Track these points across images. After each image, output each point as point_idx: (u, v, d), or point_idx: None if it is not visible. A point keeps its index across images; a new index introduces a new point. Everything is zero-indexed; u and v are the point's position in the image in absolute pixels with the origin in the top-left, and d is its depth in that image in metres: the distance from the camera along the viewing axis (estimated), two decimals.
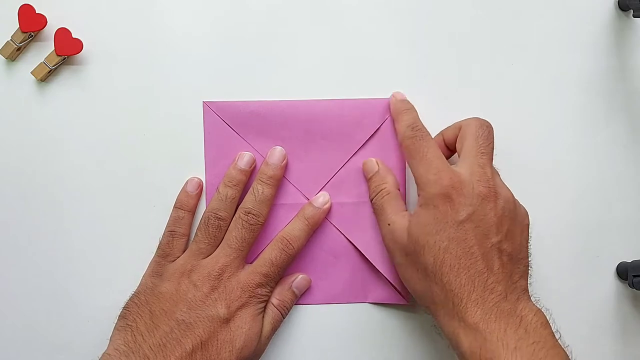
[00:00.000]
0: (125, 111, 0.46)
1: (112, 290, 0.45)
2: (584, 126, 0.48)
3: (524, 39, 0.47)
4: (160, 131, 0.46)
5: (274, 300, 0.44)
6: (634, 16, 0.46)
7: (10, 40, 0.45)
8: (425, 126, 0.44)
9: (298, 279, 0.45)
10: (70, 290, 0.46)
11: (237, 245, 0.43)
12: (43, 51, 0.46)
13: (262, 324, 0.43)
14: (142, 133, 0.46)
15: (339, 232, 0.46)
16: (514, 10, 0.47)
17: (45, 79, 0.46)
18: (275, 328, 0.44)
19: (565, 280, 0.46)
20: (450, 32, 0.47)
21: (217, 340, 0.40)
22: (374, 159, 0.45)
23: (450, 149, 0.45)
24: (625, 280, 0.47)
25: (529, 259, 0.41)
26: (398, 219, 0.42)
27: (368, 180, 0.45)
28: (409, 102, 0.45)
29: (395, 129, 0.45)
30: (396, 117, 0.45)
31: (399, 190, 0.44)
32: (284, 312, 0.44)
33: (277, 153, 0.45)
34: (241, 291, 0.42)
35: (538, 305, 0.38)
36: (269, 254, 0.43)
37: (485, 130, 0.42)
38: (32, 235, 0.46)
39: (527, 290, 0.39)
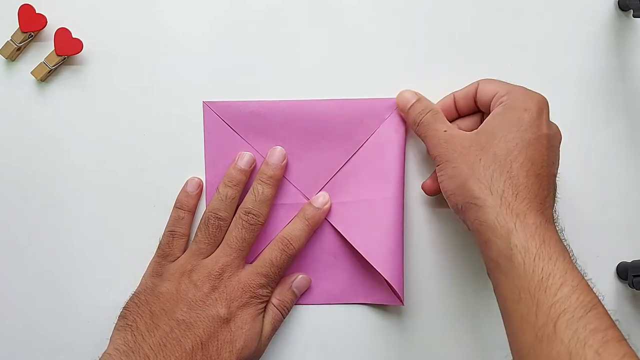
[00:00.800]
0: (125, 111, 0.46)
1: (112, 290, 0.45)
2: (584, 126, 0.48)
3: (524, 39, 0.47)
4: (160, 131, 0.46)
5: (274, 300, 0.44)
6: (634, 16, 0.46)
7: (10, 40, 0.45)
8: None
9: (298, 279, 0.45)
10: (70, 290, 0.46)
11: (237, 245, 0.43)
12: (43, 51, 0.46)
13: (263, 324, 0.43)
14: (142, 133, 0.46)
15: (339, 233, 0.46)
16: (514, 10, 0.47)
17: (45, 79, 0.46)
18: (275, 328, 0.44)
19: None
20: (450, 32, 0.47)
21: (218, 341, 0.40)
22: (408, 90, 0.45)
23: (459, 114, 0.45)
24: (625, 280, 0.47)
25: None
26: (454, 128, 0.42)
27: (408, 110, 0.44)
28: (415, 92, 0.45)
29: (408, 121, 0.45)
30: (403, 108, 0.45)
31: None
32: (284, 312, 0.44)
33: (277, 153, 0.45)
34: (242, 291, 0.42)
35: None
36: (269, 254, 0.43)
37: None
38: (32, 235, 0.46)
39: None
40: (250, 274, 0.43)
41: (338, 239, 0.46)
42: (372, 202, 0.46)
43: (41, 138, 0.46)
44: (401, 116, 0.46)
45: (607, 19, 0.48)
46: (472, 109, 0.44)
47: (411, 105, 0.44)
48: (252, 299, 0.42)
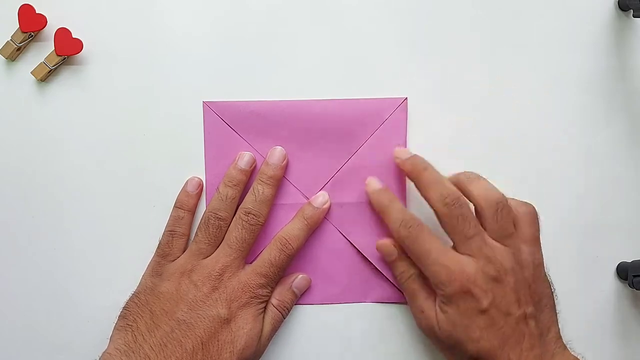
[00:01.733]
0: (125, 111, 0.46)
1: (112, 290, 0.45)
2: (584, 126, 0.48)
3: (524, 39, 0.47)
4: (160, 131, 0.46)
5: (274, 300, 0.44)
6: (634, 16, 0.46)
7: (10, 40, 0.45)
8: (423, 127, 0.44)
9: (298, 279, 0.45)
10: (70, 290, 0.46)
11: (237, 245, 0.43)
12: (43, 51, 0.46)
13: (263, 324, 0.43)
14: (142, 133, 0.46)
15: (339, 232, 0.46)
16: (514, 10, 0.47)
17: (45, 79, 0.46)
18: (275, 328, 0.44)
19: (565, 280, 0.46)
20: (450, 32, 0.47)
21: (218, 341, 0.40)
22: (386, 241, 0.44)
23: None
24: (625, 280, 0.47)
25: (551, 289, 0.42)
26: (429, 308, 0.42)
27: (389, 264, 0.45)
28: (387, 191, 0.44)
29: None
30: (382, 211, 0.44)
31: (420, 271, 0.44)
32: (284, 313, 0.44)
33: (277, 153, 0.45)
34: (242, 292, 0.42)
35: (569, 347, 0.40)
36: (268, 254, 0.43)
37: (463, 209, 0.41)
38: (32, 235, 0.46)
39: (560, 335, 0.41)
40: (250, 274, 0.43)
41: (338, 239, 0.46)
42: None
43: (41, 138, 0.46)
44: (402, 116, 0.46)
45: (607, 19, 0.48)
46: None
47: (391, 262, 0.44)
48: (252, 299, 0.42)
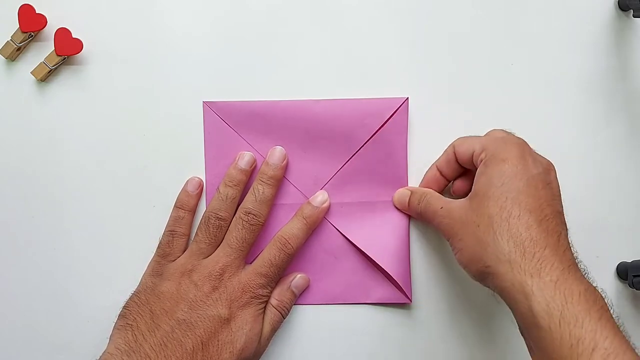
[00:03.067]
0: (125, 111, 0.46)
1: (112, 290, 0.45)
2: (584, 126, 0.48)
3: (524, 39, 0.47)
4: (160, 131, 0.46)
5: (273, 300, 0.44)
6: (634, 16, 0.46)
7: (10, 40, 0.45)
8: (424, 127, 0.45)
9: (297, 279, 0.45)
10: (70, 290, 0.46)
11: (237, 245, 0.43)
12: (43, 51, 0.46)
13: (262, 324, 0.43)
14: (142, 133, 0.46)
15: (339, 232, 0.46)
16: (513, 11, 0.47)
17: (45, 79, 0.46)
18: (275, 329, 0.44)
19: None
20: (450, 32, 0.47)
21: (218, 341, 0.40)
22: (400, 189, 0.45)
23: (445, 177, 0.45)
24: (625, 280, 0.47)
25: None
26: (449, 202, 0.41)
27: (408, 205, 0.45)
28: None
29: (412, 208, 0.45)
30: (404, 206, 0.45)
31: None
32: (284, 313, 0.44)
33: (277, 153, 0.45)
34: (242, 292, 0.42)
35: None
36: (268, 254, 0.43)
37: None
38: (32, 235, 0.46)
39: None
40: (250, 274, 0.43)
41: (339, 239, 0.46)
42: (374, 204, 0.46)
43: (41, 138, 0.46)
44: (403, 116, 0.46)
45: (607, 19, 0.48)
46: (459, 171, 0.44)
47: (408, 201, 0.45)
48: (252, 299, 0.42)
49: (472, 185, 0.40)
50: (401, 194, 0.45)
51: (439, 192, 0.44)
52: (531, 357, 0.35)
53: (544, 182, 0.38)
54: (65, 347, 0.46)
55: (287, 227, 0.44)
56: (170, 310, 0.41)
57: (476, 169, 0.40)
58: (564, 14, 0.48)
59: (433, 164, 0.45)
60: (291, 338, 0.46)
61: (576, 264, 0.36)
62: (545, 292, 0.33)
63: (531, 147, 0.40)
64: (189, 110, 0.46)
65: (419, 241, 0.46)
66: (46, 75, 0.46)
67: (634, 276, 0.45)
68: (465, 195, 0.41)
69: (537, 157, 0.40)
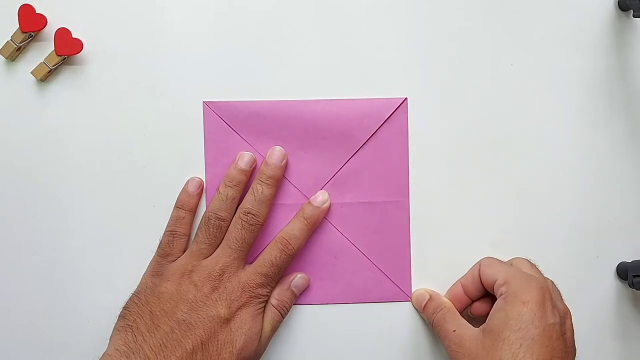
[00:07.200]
0: (125, 111, 0.46)
1: (112, 290, 0.45)
2: (584, 126, 0.48)
3: (524, 38, 0.47)
4: (160, 131, 0.46)
5: (273, 300, 0.44)
6: (634, 16, 0.46)
7: (10, 40, 0.45)
8: (423, 127, 0.44)
9: (296, 279, 0.45)
10: (70, 290, 0.46)
11: (237, 245, 0.43)
12: (43, 51, 0.46)
13: (262, 324, 0.43)
14: (142, 133, 0.46)
15: (339, 232, 0.46)
16: (514, 11, 0.47)
17: (45, 79, 0.46)
18: (275, 328, 0.44)
19: (565, 280, 0.46)
20: (450, 32, 0.47)
21: (218, 341, 0.40)
22: (421, 289, 0.45)
23: (472, 298, 0.45)
24: (625, 280, 0.47)
25: None
26: (463, 325, 0.42)
27: (423, 309, 0.45)
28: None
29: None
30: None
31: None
32: (284, 312, 0.44)
33: (276, 153, 0.45)
34: (241, 291, 0.42)
35: None
36: (269, 255, 0.43)
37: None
38: (32, 235, 0.46)
39: None
40: (250, 274, 0.43)
41: (339, 239, 0.46)
42: (374, 204, 0.46)
43: (41, 138, 0.46)
44: (403, 116, 0.46)
45: (607, 19, 0.48)
46: (483, 292, 0.44)
47: (425, 305, 0.45)
48: (251, 299, 0.42)
49: (490, 310, 0.41)
50: (420, 295, 0.45)
51: (459, 310, 0.44)
52: None
53: (559, 332, 0.38)
54: (65, 347, 0.46)
55: (287, 227, 0.44)
56: (170, 311, 0.41)
57: (495, 297, 0.41)
58: (564, 14, 0.48)
59: (458, 281, 0.45)
60: (291, 338, 0.46)
61: None
62: None
63: (552, 291, 0.41)
64: (190, 110, 0.46)
65: (419, 241, 0.46)
66: (46, 75, 0.46)
67: (634, 276, 0.45)
68: (482, 317, 0.42)
69: (556, 303, 0.40)
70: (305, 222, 0.44)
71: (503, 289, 0.40)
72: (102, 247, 0.46)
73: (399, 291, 0.46)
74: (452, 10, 0.47)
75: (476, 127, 0.47)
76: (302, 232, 0.44)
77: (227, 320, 0.41)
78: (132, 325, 0.40)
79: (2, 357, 0.46)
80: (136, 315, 0.41)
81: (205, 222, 0.43)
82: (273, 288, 0.44)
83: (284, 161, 0.45)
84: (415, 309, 0.46)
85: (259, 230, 0.44)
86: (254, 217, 0.43)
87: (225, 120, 0.46)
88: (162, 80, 0.46)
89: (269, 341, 0.44)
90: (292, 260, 0.44)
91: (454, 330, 0.41)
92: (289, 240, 0.44)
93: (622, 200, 0.48)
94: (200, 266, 0.42)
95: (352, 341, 0.46)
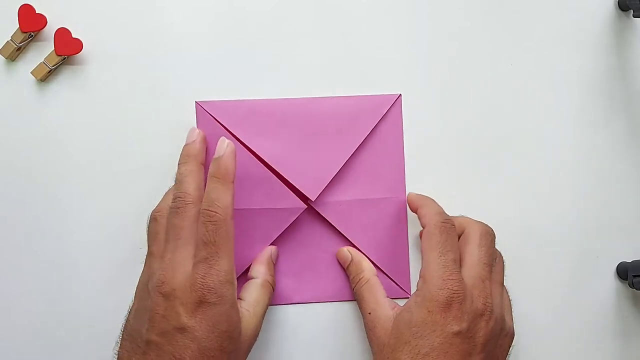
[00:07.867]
0: (125, 111, 0.46)
1: (112, 290, 0.45)
2: (584, 126, 0.48)
3: (524, 38, 0.47)
4: (160, 131, 0.46)
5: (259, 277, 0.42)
6: (634, 16, 0.46)
7: (10, 40, 0.45)
8: (424, 126, 0.44)
9: (265, 251, 0.44)
10: (70, 290, 0.46)
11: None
12: (43, 51, 0.46)
13: (238, 314, 0.39)
14: (143, 133, 0.46)
15: (337, 230, 0.46)
16: (513, 10, 0.47)
17: (45, 79, 0.46)
18: (266, 304, 0.42)
19: (565, 280, 0.46)
20: (450, 32, 0.47)
21: (191, 350, 0.36)
22: (345, 248, 0.45)
23: None
24: (625, 280, 0.47)
25: None
26: (379, 308, 0.41)
27: (345, 269, 0.45)
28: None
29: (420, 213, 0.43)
30: (421, 202, 0.43)
31: (376, 276, 0.44)
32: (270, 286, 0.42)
33: (189, 132, 0.44)
34: (190, 291, 0.37)
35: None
36: (198, 235, 0.38)
37: (488, 239, 0.41)
38: (32, 235, 0.46)
39: None
40: (193, 269, 0.38)
41: (337, 238, 0.46)
42: (372, 202, 0.46)
43: (41, 138, 0.46)
44: (397, 113, 0.46)
45: (607, 19, 0.48)
46: None
47: (347, 266, 0.45)
48: (205, 295, 0.37)
49: None
50: (344, 255, 0.45)
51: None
52: None
53: (463, 338, 0.37)
54: (65, 347, 0.46)
55: (204, 197, 0.39)
56: (139, 330, 0.38)
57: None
58: (564, 14, 0.48)
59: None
60: (287, 337, 0.46)
61: None
62: None
63: (474, 287, 0.39)
64: (190, 110, 0.46)
65: (417, 237, 0.46)
66: (46, 75, 0.46)
67: (634, 276, 0.45)
68: None
69: (470, 304, 0.38)
70: (216, 179, 0.39)
71: (419, 283, 0.40)
72: (103, 247, 0.46)
73: (397, 288, 0.46)
74: (452, 10, 0.47)
75: (477, 127, 0.47)
76: (219, 192, 0.38)
77: (190, 328, 0.37)
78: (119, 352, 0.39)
79: (2, 357, 0.46)
80: (122, 340, 0.39)
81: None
82: (229, 271, 0.38)
83: (198, 138, 0.44)
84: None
85: (191, 210, 0.39)
86: (181, 199, 0.40)
87: (218, 120, 0.45)
88: (162, 80, 0.46)
89: (262, 317, 0.41)
90: (228, 227, 0.38)
91: (369, 313, 0.41)
92: (209, 207, 0.38)
93: (622, 200, 0.48)
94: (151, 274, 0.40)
95: (350, 338, 0.46)
